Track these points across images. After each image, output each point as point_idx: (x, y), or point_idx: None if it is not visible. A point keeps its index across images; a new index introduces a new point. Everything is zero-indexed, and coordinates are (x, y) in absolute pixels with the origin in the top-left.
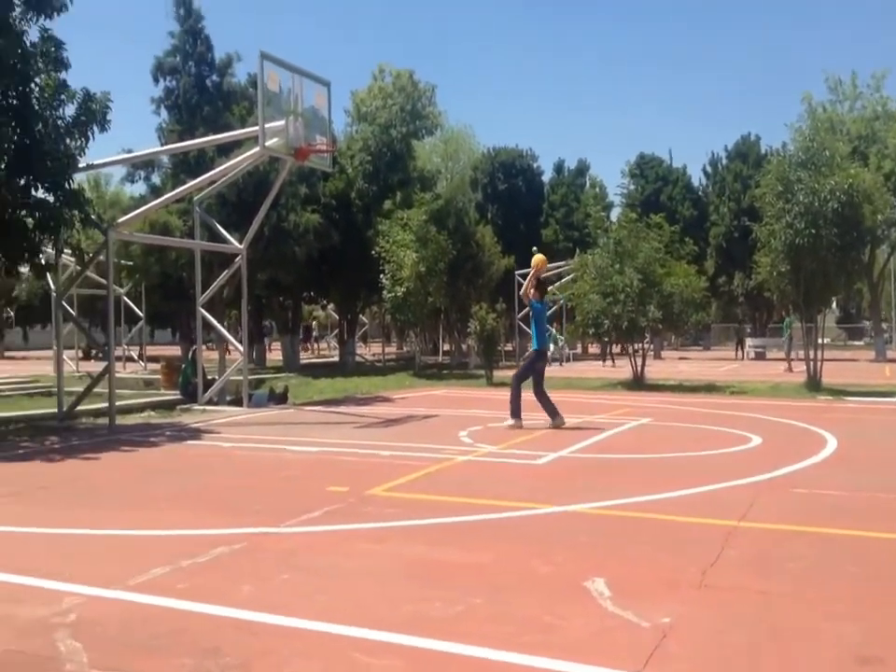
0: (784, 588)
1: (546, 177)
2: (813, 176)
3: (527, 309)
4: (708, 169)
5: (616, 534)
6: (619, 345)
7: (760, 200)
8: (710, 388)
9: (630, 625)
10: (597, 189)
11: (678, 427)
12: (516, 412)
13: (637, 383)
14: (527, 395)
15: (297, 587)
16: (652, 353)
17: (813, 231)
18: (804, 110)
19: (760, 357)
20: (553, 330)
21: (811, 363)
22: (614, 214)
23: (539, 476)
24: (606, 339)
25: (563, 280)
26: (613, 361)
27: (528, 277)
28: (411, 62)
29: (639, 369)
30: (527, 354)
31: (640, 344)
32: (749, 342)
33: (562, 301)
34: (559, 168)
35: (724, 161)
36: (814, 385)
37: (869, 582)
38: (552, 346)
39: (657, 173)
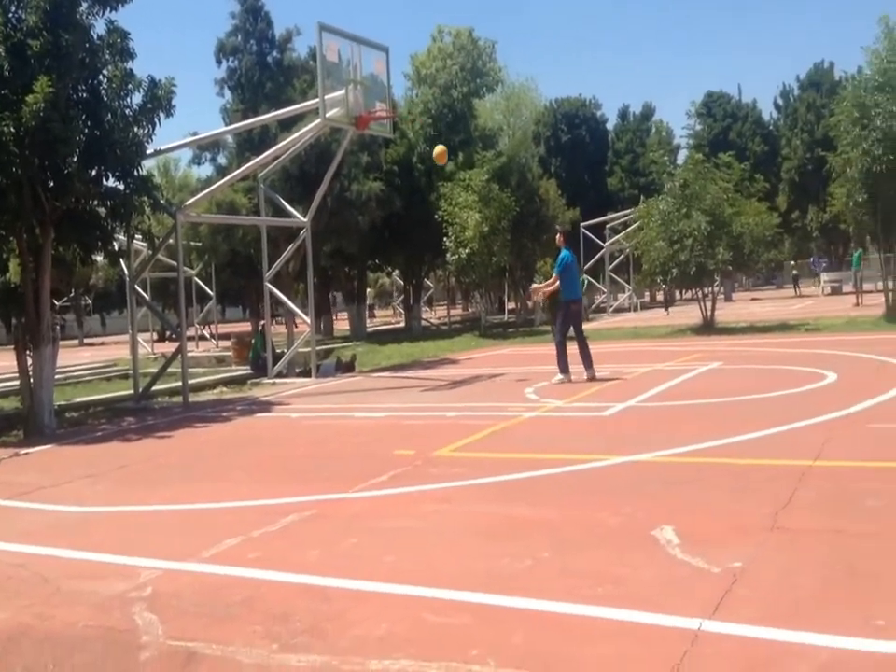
0: (862, 527)
1: (610, 125)
2: (891, 100)
3: (594, 259)
4: (780, 101)
5: (686, 481)
6: (687, 291)
7: (835, 128)
8: (784, 327)
9: (700, 572)
10: (663, 133)
11: (749, 370)
12: (564, 367)
13: (707, 327)
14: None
15: (365, 550)
16: (723, 296)
17: (891, 156)
18: (880, 32)
19: (836, 291)
20: (587, 278)
21: (889, 294)
22: (682, 156)
23: (606, 427)
24: (665, 286)
25: (629, 229)
26: (667, 309)
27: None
28: (469, 19)
29: (709, 313)
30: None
31: (709, 288)
32: (823, 276)
33: (627, 251)
34: (624, 114)
35: (796, 92)
36: (893, 316)
37: None
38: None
39: (725, 110)
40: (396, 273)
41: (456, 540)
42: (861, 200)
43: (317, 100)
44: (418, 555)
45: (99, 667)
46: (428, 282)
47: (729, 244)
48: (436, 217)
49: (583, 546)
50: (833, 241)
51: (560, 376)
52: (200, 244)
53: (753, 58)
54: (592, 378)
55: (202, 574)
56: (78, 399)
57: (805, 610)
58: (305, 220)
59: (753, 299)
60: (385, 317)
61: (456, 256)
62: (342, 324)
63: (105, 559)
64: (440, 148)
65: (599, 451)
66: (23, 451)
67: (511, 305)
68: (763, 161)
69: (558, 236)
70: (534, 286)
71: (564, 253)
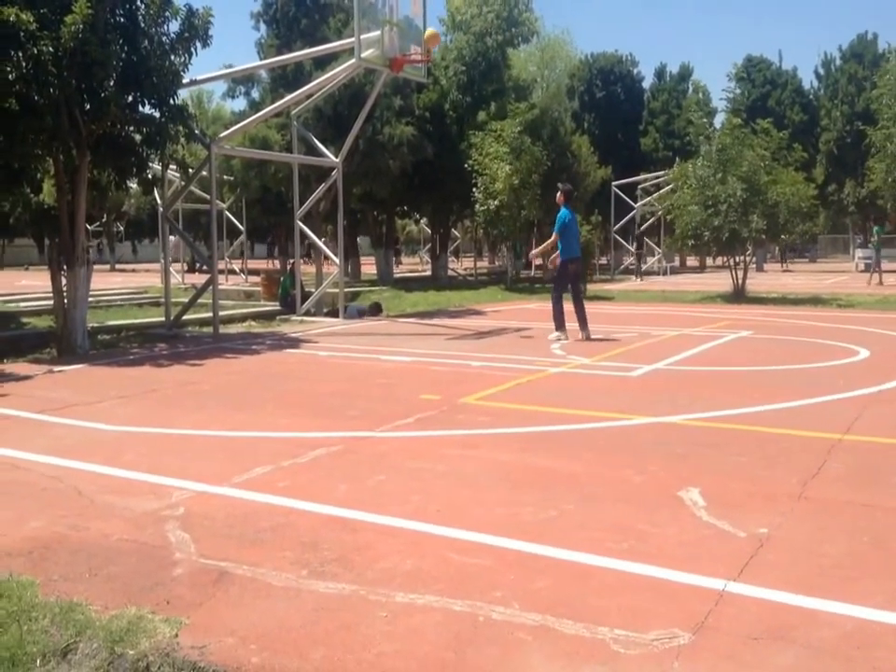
0: (891, 502)
1: (646, 84)
2: None
3: (625, 220)
4: (821, 71)
5: (713, 445)
6: (717, 258)
7: (876, 102)
8: (816, 301)
9: (725, 535)
10: (700, 95)
11: (780, 340)
12: (560, 324)
13: (738, 295)
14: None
15: (392, 488)
16: (755, 265)
17: None
18: None
19: (870, 268)
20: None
21: None
22: (718, 120)
23: (633, 388)
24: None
25: (662, 191)
26: (641, 277)
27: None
28: None
29: (740, 281)
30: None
31: (742, 256)
32: (858, 252)
33: (659, 213)
34: (660, 73)
35: (838, 62)
36: None
37: None
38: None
39: (765, 76)
40: (423, 220)
41: (481, 486)
42: None
43: (353, 39)
44: (443, 497)
45: (134, 580)
46: (456, 232)
47: (764, 212)
48: (466, 166)
49: (608, 501)
50: (869, 217)
51: (556, 333)
52: (232, 178)
53: (795, 25)
54: (587, 338)
55: (232, 498)
56: (111, 323)
57: (830, 579)
58: (337, 161)
59: (786, 270)
60: (412, 265)
61: (485, 207)
62: (368, 268)
63: (138, 477)
64: (431, 31)
65: (625, 410)
66: (57, 369)
67: (538, 261)
68: (802, 131)
69: (558, 194)
70: (533, 251)
71: (563, 212)
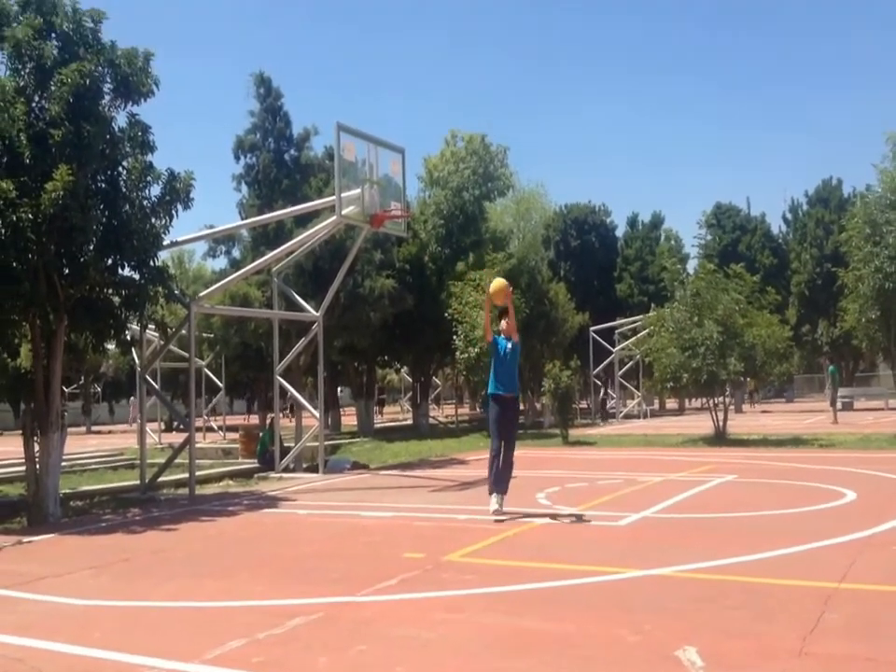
0: (894, 655)
1: (620, 232)
2: None
3: (603, 364)
4: (788, 216)
5: (706, 599)
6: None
7: (846, 244)
8: (797, 441)
9: None
10: (672, 242)
11: (765, 484)
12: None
13: (720, 438)
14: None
15: (374, 659)
16: (733, 407)
17: None
18: (889, 150)
19: (847, 407)
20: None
21: None
22: (691, 266)
23: (621, 538)
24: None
25: (639, 335)
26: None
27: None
28: (482, 124)
29: (721, 423)
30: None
31: (721, 398)
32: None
33: (637, 357)
34: (633, 222)
35: (805, 207)
36: None
37: None
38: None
39: (735, 222)
40: (404, 369)
41: (468, 654)
42: (873, 317)
43: (333, 197)
44: (430, 668)
45: None
46: (437, 380)
47: (741, 354)
48: (446, 315)
49: (604, 664)
50: (844, 356)
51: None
52: (212, 335)
53: (762, 172)
54: (497, 511)
55: None
56: (84, 488)
57: None
58: (318, 315)
59: (764, 411)
60: (394, 413)
61: (466, 354)
62: (349, 419)
63: (104, 656)
64: (499, 284)
65: (615, 563)
66: (27, 539)
67: (520, 407)
68: (773, 274)
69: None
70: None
71: (498, 340)
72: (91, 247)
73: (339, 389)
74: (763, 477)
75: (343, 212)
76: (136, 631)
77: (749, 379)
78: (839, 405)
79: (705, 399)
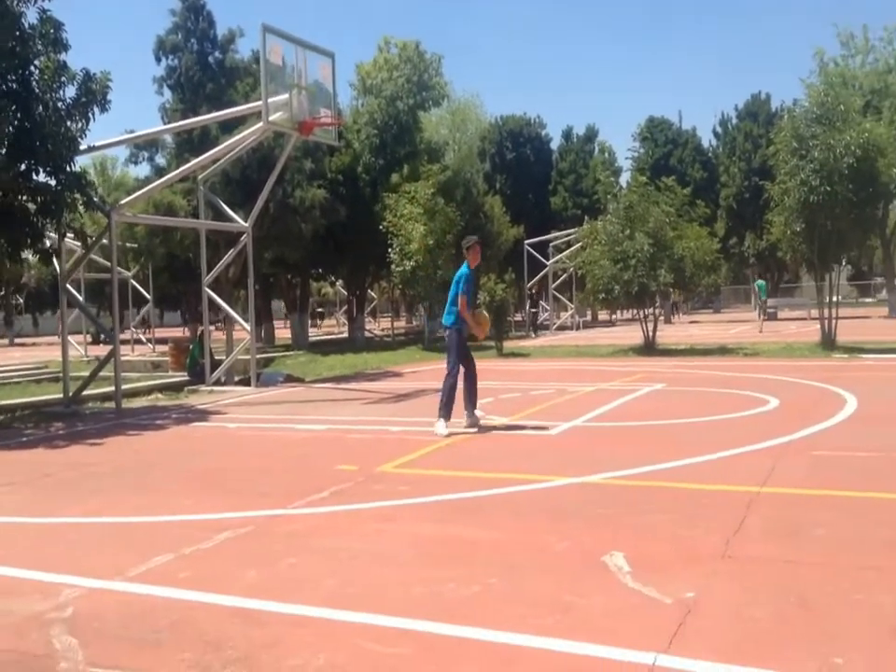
0: (813, 557)
1: (554, 145)
2: (828, 132)
3: (538, 277)
4: (718, 130)
5: (633, 505)
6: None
7: (773, 157)
8: (723, 351)
9: (652, 602)
10: (606, 155)
11: (693, 392)
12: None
13: (649, 348)
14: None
15: (304, 572)
16: (663, 317)
17: (828, 187)
18: (816, 66)
19: (772, 317)
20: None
21: (825, 321)
22: (624, 179)
23: (552, 447)
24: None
25: (572, 248)
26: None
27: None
28: (416, 32)
29: (651, 334)
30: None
31: (651, 309)
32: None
33: (571, 269)
34: (567, 135)
35: (734, 122)
36: (829, 343)
37: None
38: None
39: (667, 136)
40: (339, 282)
41: (400, 563)
42: (798, 229)
43: (260, 102)
44: (359, 579)
45: None
46: (372, 293)
47: (671, 266)
48: (381, 227)
49: (532, 571)
50: (770, 267)
51: (441, 422)
52: (136, 245)
53: (693, 86)
54: (473, 424)
55: (127, 594)
56: (5, 402)
57: (762, 647)
58: (246, 225)
59: (692, 321)
60: (329, 327)
61: (401, 268)
62: (284, 332)
63: (23, 575)
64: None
65: (545, 471)
66: None
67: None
68: (703, 188)
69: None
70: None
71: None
72: (3, 151)
73: (271, 302)
74: (690, 385)
75: (271, 118)
76: (56, 548)
77: (673, 291)
78: (765, 315)
79: (635, 311)
